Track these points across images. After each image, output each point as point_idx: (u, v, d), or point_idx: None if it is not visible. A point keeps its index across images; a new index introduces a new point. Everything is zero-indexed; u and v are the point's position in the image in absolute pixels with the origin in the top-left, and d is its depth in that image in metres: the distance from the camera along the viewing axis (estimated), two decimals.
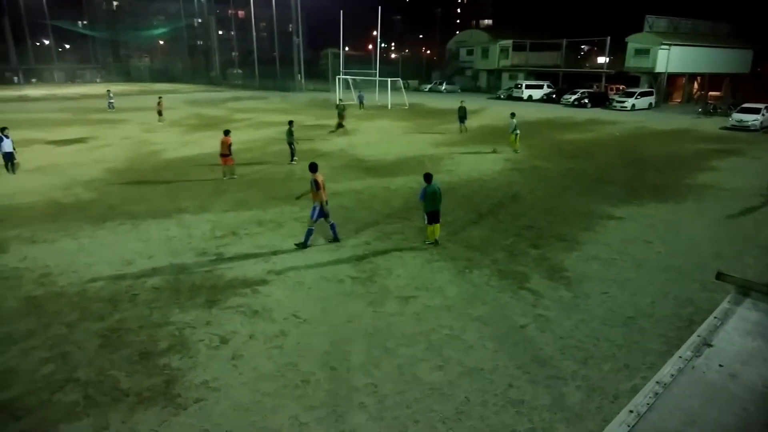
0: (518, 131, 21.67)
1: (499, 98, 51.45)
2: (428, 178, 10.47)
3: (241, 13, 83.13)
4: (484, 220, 12.76)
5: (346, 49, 55.95)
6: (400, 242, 11.08)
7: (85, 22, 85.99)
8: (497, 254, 10.48)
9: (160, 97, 32.73)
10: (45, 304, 8.21)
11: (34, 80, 73.32)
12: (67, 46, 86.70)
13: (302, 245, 10.57)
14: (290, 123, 19.54)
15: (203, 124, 30.36)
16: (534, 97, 49.32)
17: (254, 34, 66.20)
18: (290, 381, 6.35)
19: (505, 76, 59.56)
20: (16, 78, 72.21)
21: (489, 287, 8.99)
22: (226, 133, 16.48)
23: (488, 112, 37.91)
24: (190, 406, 5.88)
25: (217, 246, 10.74)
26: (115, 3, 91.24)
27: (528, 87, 50.38)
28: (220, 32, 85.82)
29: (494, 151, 21.65)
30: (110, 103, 38.00)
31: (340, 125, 25.88)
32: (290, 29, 64.51)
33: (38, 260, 9.96)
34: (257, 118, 33.17)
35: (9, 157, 17.20)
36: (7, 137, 17.07)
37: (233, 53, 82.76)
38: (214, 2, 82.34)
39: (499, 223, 12.46)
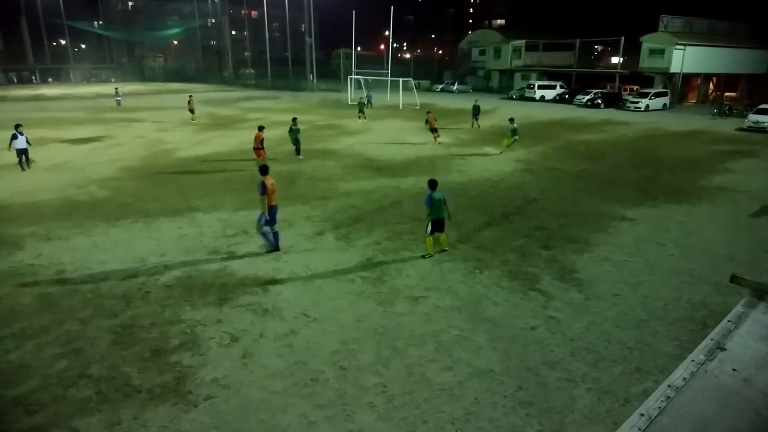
0: (516, 136, 21.24)
1: (511, 98, 51.23)
2: (433, 184, 10.06)
3: (254, 13, 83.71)
4: (495, 220, 12.70)
5: (358, 49, 56.10)
6: (410, 242, 11.06)
7: (100, 23, 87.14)
8: (508, 255, 10.43)
9: (190, 96, 33.23)
10: (59, 301, 8.33)
11: (50, 80, 74.47)
12: (83, 46, 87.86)
13: (273, 249, 10.36)
14: (294, 120, 19.87)
15: (216, 124, 30.59)
16: (547, 98, 49.03)
17: (267, 34, 66.57)
18: (300, 380, 6.37)
19: (517, 76, 59.31)
20: (33, 77, 73.40)
21: (499, 288, 8.95)
22: (260, 128, 17.73)
23: (500, 112, 37.75)
24: (201, 403, 5.93)
25: (228, 245, 10.81)
26: (130, 3, 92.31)
27: (541, 87, 50.09)
28: (233, 32, 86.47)
29: (485, 155, 21.18)
30: (117, 100, 40.00)
31: (433, 129, 23.60)
32: (303, 29, 64.86)
33: (53, 257, 10.10)
34: (269, 118, 33.31)
35: (24, 153, 17.59)
36: (21, 134, 17.46)
37: (246, 53, 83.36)
38: (228, 2, 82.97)
39: (510, 224, 12.40)
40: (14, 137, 17.41)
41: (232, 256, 10.19)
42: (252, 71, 76.03)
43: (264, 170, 10.35)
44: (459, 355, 6.90)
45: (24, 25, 74.98)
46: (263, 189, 9.97)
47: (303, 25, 65.81)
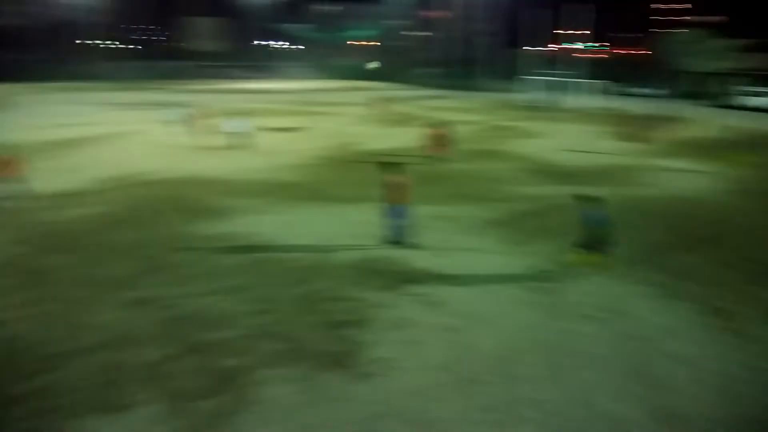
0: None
1: (716, 106, 44.55)
2: (592, 200, 9.51)
3: (437, 14, 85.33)
4: (687, 244, 11.06)
5: (548, 47, 53.86)
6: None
7: (302, 25, 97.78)
8: (702, 286, 9.05)
9: (377, 95, 35.53)
10: (252, 268, 9.54)
11: (256, 76, 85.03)
12: (286, 46, 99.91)
13: (396, 242, 10.53)
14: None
15: (399, 120, 31.75)
16: (763, 106, 41.57)
17: (450, 34, 67.60)
18: (458, 377, 6.39)
19: (723, 79, 51.04)
20: (242, 73, 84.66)
21: (689, 322, 7.85)
22: (438, 126, 19.61)
23: (700, 122, 33.01)
24: (363, 378, 6.31)
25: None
26: (330, 8, 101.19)
27: (755, 94, 42.71)
28: (416, 33, 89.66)
29: (683, 169, 18.65)
30: (304, 93, 44.39)
31: (633, 138, 21.82)
32: (484, 29, 64.71)
33: (250, 228, 11.62)
34: (450, 117, 33.69)
35: (236, 136, 21.15)
36: (235, 120, 21.67)
37: (427, 53, 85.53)
38: (413, 4, 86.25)
39: (706, 250, 10.71)
40: (226, 121, 21.45)
41: (404, 247, 10.54)
42: (432, 70, 77.65)
43: (387, 167, 10.57)
44: (634, 388, 6.21)
45: (237, 29, 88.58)
46: (395, 187, 10.22)
47: (485, 25, 65.45)
